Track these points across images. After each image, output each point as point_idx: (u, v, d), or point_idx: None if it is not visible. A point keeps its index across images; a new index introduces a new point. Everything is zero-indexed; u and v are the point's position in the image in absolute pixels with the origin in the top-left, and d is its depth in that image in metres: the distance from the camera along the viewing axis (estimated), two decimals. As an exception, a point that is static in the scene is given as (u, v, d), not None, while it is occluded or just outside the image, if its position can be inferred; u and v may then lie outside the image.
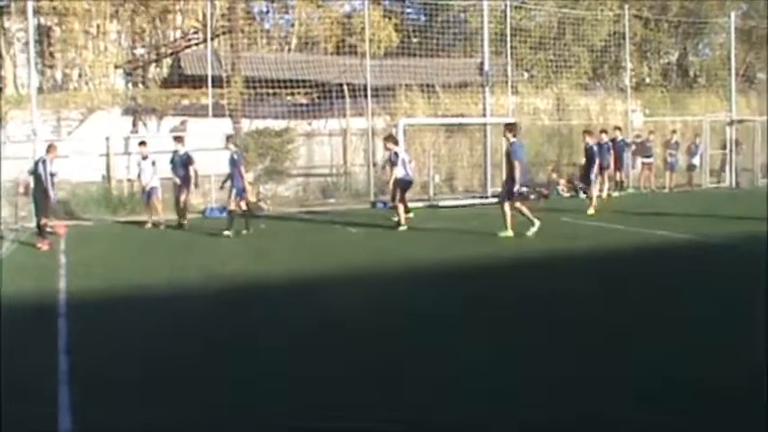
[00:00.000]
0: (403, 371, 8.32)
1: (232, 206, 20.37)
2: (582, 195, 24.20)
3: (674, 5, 41.48)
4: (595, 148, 24.13)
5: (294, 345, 9.58)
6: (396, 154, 21.22)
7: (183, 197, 22.24)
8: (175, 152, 22.45)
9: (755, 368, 7.97)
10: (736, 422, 6.69)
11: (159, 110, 28.85)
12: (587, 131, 25.24)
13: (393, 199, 21.16)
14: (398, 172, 20.87)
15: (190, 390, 7.83)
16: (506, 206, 18.38)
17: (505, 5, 31.54)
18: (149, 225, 22.01)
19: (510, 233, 18.16)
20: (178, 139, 22.91)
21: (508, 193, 18.49)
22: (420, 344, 9.44)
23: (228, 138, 22.02)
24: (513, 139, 18.69)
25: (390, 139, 22.12)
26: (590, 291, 12.44)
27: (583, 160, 24.62)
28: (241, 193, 20.46)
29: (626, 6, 34.53)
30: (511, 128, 19.12)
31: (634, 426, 6.67)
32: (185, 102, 29.88)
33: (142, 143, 22.98)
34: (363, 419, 6.90)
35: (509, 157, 18.59)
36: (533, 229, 18.10)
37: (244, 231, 19.89)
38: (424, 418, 6.90)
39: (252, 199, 23.73)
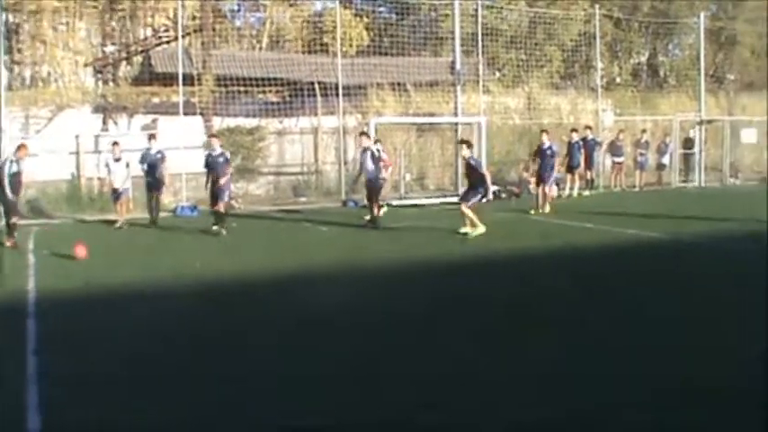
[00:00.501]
0: (386, 370, 8.34)
1: (221, 207, 20.16)
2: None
3: (645, 6, 41.75)
4: (555, 148, 24.50)
5: (276, 343, 9.57)
6: (378, 150, 21.37)
7: (157, 196, 22.14)
8: (147, 150, 22.27)
9: (742, 366, 8.07)
10: (726, 421, 6.74)
11: (130, 108, 28.69)
12: (545, 131, 25.53)
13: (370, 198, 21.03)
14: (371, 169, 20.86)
15: (165, 389, 7.82)
16: (464, 207, 18.49)
17: (477, 5, 31.57)
18: (121, 224, 21.73)
19: (482, 229, 18.19)
20: (152, 137, 22.69)
21: (467, 196, 18.67)
22: (402, 342, 9.47)
23: (214, 136, 21.68)
24: (470, 154, 19.01)
25: (367, 135, 22.11)
26: (565, 289, 12.54)
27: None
28: (222, 193, 20.26)
29: (596, 6, 34.65)
30: (468, 143, 19.65)
31: (624, 425, 6.71)
32: (156, 100, 29.73)
33: (115, 143, 22.56)
34: (350, 418, 6.93)
35: (474, 169, 18.74)
36: (476, 232, 18.30)
37: (214, 228, 19.75)
38: (409, 417, 6.92)
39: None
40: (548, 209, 23.24)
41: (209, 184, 20.32)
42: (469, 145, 19.56)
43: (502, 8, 35.06)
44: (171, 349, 9.29)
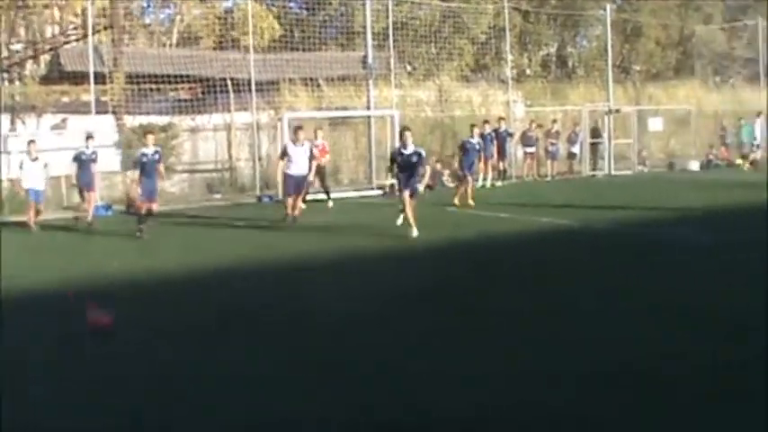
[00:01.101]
0: (356, 368, 8.28)
1: (153, 206, 19.65)
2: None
3: (552, -2, 42.49)
4: (477, 144, 24.81)
5: (229, 343, 9.46)
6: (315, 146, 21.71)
7: (92, 196, 21.96)
8: (85, 149, 21.98)
9: (674, 354, 8.27)
10: (689, 410, 6.86)
11: (39, 107, 28.25)
12: (475, 125, 25.82)
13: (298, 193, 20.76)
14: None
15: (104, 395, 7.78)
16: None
17: (388, 0, 31.75)
18: (34, 225, 21.37)
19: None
20: (90, 137, 22.37)
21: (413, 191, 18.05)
22: (360, 341, 9.38)
23: (150, 133, 20.94)
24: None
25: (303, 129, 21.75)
26: (494, 280, 12.81)
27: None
28: (155, 193, 19.94)
29: (505, -1, 35.12)
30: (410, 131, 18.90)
31: (590, 419, 6.76)
32: (65, 99, 29.33)
33: (32, 142, 22.13)
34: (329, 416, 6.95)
35: (420, 160, 18.07)
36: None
37: (139, 232, 19.30)
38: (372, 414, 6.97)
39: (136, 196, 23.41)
40: (457, 201, 23.36)
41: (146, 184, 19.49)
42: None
43: (413, 3, 35.30)
44: (108, 354, 9.20)
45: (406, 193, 17.62)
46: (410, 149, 17.94)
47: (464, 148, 24.65)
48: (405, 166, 17.96)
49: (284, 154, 20.73)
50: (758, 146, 36.47)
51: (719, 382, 7.41)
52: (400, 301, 11.40)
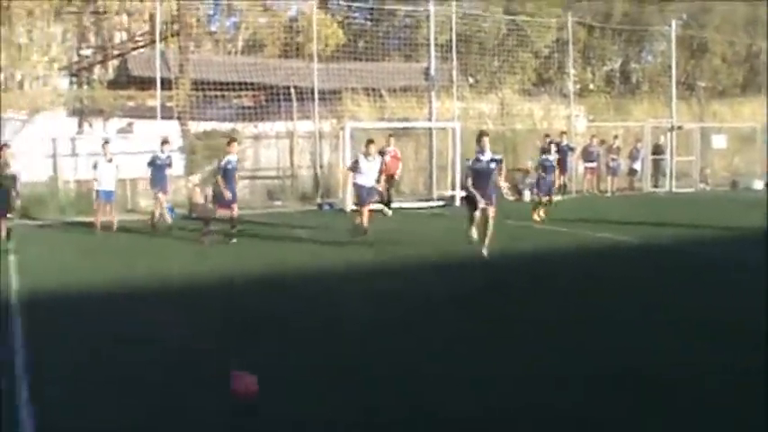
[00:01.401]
0: (377, 372, 8.38)
1: (234, 210, 19.79)
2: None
3: (617, 13, 42.23)
4: (553, 161, 24.25)
5: (261, 347, 9.52)
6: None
7: (163, 198, 22.36)
8: (160, 153, 22.51)
9: (698, 365, 8.34)
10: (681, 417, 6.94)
11: (106, 111, 28.72)
12: (552, 141, 25.24)
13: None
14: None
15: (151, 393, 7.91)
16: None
17: (452, 13, 31.85)
18: (99, 228, 21.76)
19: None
20: (165, 142, 22.83)
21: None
22: (392, 346, 9.48)
23: (234, 141, 20.79)
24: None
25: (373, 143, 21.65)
26: (541, 291, 12.83)
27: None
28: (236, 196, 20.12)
29: (569, 13, 35.03)
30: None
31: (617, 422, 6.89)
32: (132, 103, 29.79)
33: (106, 143, 22.67)
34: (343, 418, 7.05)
35: (498, 166, 16.97)
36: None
37: (233, 240, 19.57)
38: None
39: (199, 201, 23.72)
40: (537, 217, 23.10)
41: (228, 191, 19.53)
42: None
43: (477, 15, 35.37)
44: (155, 354, 9.32)
45: (477, 213, 16.57)
46: (488, 156, 16.72)
47: (543, 167, 23.86)
48: (481, 174, 16.67)
49: (355, 166, 20.68)
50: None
51: (742, 392, 7.52)
52: (433, 309, 11.53)
